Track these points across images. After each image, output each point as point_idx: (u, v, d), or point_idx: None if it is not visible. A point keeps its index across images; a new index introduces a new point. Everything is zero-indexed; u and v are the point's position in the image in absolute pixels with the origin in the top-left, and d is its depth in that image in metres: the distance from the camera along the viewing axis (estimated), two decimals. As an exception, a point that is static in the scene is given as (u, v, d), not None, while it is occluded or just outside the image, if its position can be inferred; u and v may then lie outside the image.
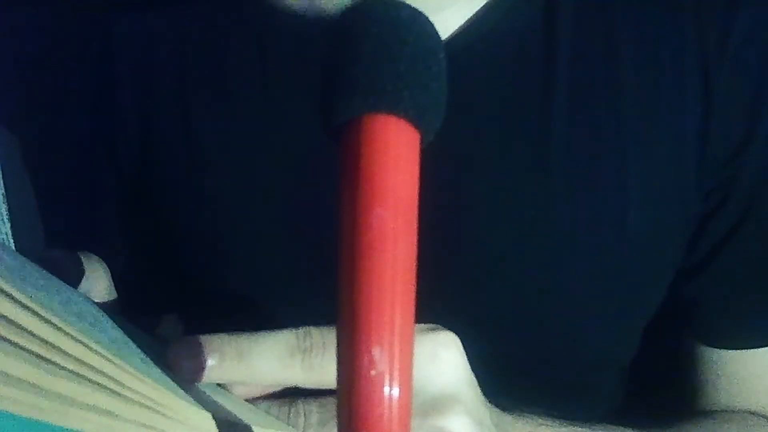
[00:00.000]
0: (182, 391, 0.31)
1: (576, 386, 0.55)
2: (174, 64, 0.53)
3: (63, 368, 0.24)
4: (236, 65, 0.52)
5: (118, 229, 0.58)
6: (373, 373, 0.25)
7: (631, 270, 0.52)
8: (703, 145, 0.50)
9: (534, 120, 0.50)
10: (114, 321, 0.34)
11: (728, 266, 0.54)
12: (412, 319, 0.26)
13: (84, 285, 0.43)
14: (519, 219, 0.50)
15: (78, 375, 0.25)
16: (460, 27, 0.50)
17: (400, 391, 0.25)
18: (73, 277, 0.42)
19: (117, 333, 0.32)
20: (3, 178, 0.41)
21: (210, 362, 0.34)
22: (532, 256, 0.51)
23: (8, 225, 0.41)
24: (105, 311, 0.35)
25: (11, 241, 0.41)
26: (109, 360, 0.26)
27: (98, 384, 0.26)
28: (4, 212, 0.41)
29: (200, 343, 0.34)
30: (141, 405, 0.27)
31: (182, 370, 0.33)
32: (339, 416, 0.26)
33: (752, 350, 0.55)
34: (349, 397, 0.25)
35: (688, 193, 0.51)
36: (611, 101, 0.50)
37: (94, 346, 0.26)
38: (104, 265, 0.45)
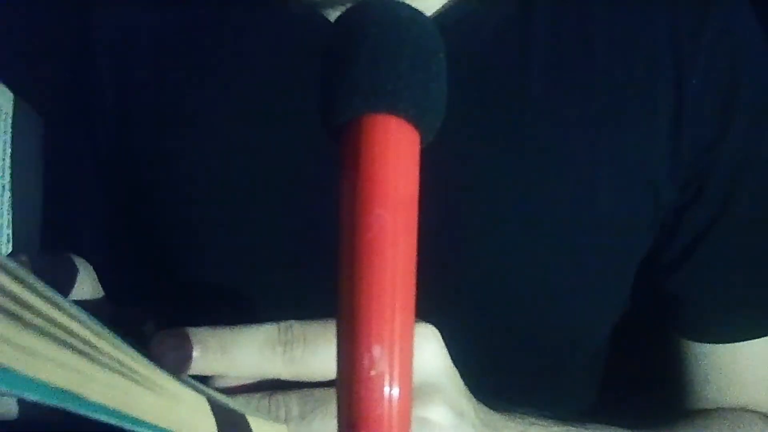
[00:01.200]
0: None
1: (546, 370, 0.55)
2: (153, 53, 0.53)
3: (31, 324, 0.24)
4: (218, 58, 0.52)
5: (100, 222, 0.58)
6: (373, 373, 0.25)
7: (600, 251, 0.52)
8: (676, 137, 0.51)
9: (508, 105, 0.50)
10: (105, 324, 0.34)
11: (708, 260, 0.54)
12: (412, 318, 0.26)
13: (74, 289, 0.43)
14: (490, 200, 0.51)
15: (47, 332, 0.25)
16: (437, 11, 0.50)
17: (400, 391, 0.25)
18: (65, 281, 0.42)
19: (107, 330, 0.32)
20: (12, 168, 0.41)
21: (194, 354, 0.34)
22: (502, 235, 0.51)
23: (9, 215, 0.41)
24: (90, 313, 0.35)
25: (9, 231, 0.41)
26: (80, 322, 0.26)
27: (67, 343, 0.25)
28: (6, 201, 0.41)
29: (184, 336, 0.34)
30: (112, 369, 0.27)
31: (166, 361, 0.33)
32: (339, 416, 0.26)
33: (739, 343, 0.56)
34: (349, 396, 0.25)
35: (659, 181, 0.52)
36: (584, 87, 0.50)
37: (66, 307, 0.26)
38: (90, 268, 0.45)
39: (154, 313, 0.61)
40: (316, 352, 0.34)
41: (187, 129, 0.52)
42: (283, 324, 0.35)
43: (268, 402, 0.36)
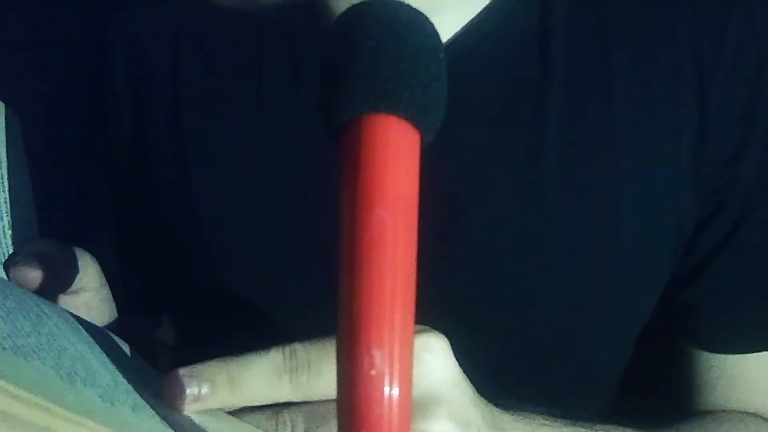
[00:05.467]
0: None
1: (567, 394, 0.55)
2: (169, 64, 0.53)
3: None
4: (230, 69, 0.52)
5: (112, 228, 0.58)
6: (373, 373, 0.25)
7: (625, 281, 0.52)
8: (699, 152, 0.50)
9: (528, 128, 0.50)
10: (106, 354, 0.35)
11: (724, 271, 0.53)
12: (412, 319, 0.26)
13: (76, 280, 0.43)
14: (512, 227, 0.50)
15: None
16: (456, 33, 0.49)
17: (400, 391, 0.25)
18: (66, 272, 0.42)
19: (108, 376, 0.33)
20: (8, 164, 0.41)
21: (203, 392, 0.34)
22: (525, 265, 0.51)
23: (8, 215, 0.42)
24: (96, 339, 0.35)
25: (9, 231, 0.41)
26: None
27: None
28: (4, 201, 0.41)
29: (191, 375, 0.35)
30: None
31: (176, 403, 0.34)
32: (339, 416, 0.26)
33: (747, 354, 0.55)
34: (349, 397, 0.25)
35: (682, 202, 0.51)
36: (605, 109, 0.50)
37: (85, 421, 0.28)
38: (94, 258, 0.45)
39: (169, 320, 0.62)
40: (321, 375, 0.35)
41: (199, 145, 0.53)
42: (287, 349, 0.35)
43: (276, 421, 0.36)
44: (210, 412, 0.35)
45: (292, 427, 0.36)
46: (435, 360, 0.37)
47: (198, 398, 0.34)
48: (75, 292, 0.44)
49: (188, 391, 0.34)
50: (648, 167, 0.50)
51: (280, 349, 0.35)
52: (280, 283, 0.52)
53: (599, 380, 0.58)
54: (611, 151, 0.50)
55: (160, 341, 0.62)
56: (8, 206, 0.42)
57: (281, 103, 0.51)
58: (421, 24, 0.28)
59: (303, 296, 0.51)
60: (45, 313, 0.34)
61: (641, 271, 0.52)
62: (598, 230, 0.50)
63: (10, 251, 0.42)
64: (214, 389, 0.34)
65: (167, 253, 0.56)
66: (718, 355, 0.55)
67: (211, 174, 0.53)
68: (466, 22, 0.49)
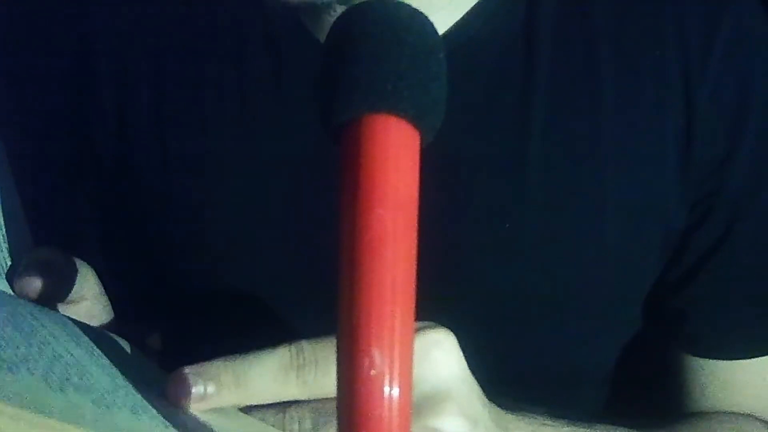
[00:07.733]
0: None
1: (553, 396, 0.55)
2: (153, 67, 0.52)
3: None
4: (213, 71, 0.52)
5: (99, 235, 0.58)
6: (372, 373, 0.25)
7: (609, 283, 0.52)
8: (686, 158, 0.50)
9: (512, 129, 0.50)
10: (107, 357, 0.34)
11: (715, 278, 0.53)
12: (412, 319, 0.26)
13: (75, 287, 0.43)
14: (495, 228, 0.50)
15: None
16: (442, 35, 0.50)
17: (400, 391, 0.25)
18: (69, 279, 0.42)
19: (106, 380, 0.33)
20: None
21: (209, 391, 0.34)
22: (508, 266, 0.51)
23: (3, 229, 0.41)
24: (97, 343, 0.35)
25: (6, 244, 0.41)
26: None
27: None
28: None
29: (196, 374, 0.34)
30: None
31: (180, 403, 0.34)
32: (339, 416, 0.26)
33: (738, 361, 0.55)
34: (349, 397, 0.25)
35: (669, 206, 0.51)
36: (590, 112, 0.50)
37: (72, 429, 0.28)
38: (90, 267, 0.45)
39: (158, 326, 0.61)
40: (328, 373, 0.35)
41: (187, 134, 0.52)
42: (293, 347, 0.35)
43: (283, 417, 0.36)
44: (216, 409, 0.35)
45: (300, 423, 0.35)
46: (444, 356, 0.37)
47: (204, 397, 0.34)
48: (76, 301, 0.44)
49: (194, 390, 0.34)
50: (633, 171, 0.50)
51: (287, 346, 0.35)
52: (278, 287, 0.52)
53: (584, 382, 0.58)
54: (596, 153, 0.50)
55: (150, 348, 0.61)
56: (2, 219, 0.42)
57: (267, 104, 0.51)
58: (421, 24, 0.28)
59: (302, 298, 0.51)
60: (40, 322, 0.34)
61: (626, 273, 0.52)
62: (580, 232, 0.50)
63: (8, 263, 0.42)
64: (219, 388, 0.34)
65: (154, 259, 0.55)
66: (710, 361, 0.56)
67: (198, 180, 0.52)
68: (449, 26, 0.49)
